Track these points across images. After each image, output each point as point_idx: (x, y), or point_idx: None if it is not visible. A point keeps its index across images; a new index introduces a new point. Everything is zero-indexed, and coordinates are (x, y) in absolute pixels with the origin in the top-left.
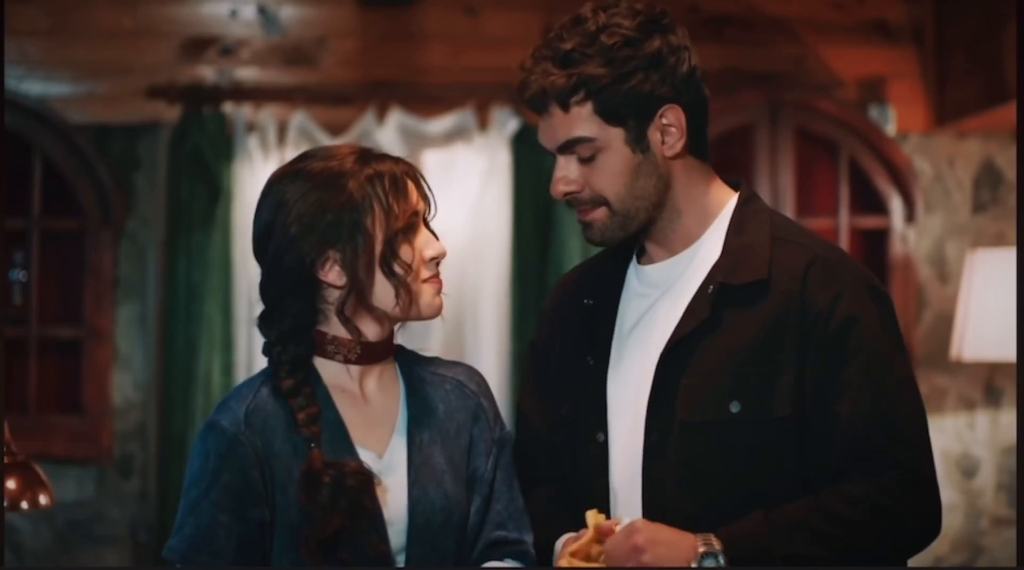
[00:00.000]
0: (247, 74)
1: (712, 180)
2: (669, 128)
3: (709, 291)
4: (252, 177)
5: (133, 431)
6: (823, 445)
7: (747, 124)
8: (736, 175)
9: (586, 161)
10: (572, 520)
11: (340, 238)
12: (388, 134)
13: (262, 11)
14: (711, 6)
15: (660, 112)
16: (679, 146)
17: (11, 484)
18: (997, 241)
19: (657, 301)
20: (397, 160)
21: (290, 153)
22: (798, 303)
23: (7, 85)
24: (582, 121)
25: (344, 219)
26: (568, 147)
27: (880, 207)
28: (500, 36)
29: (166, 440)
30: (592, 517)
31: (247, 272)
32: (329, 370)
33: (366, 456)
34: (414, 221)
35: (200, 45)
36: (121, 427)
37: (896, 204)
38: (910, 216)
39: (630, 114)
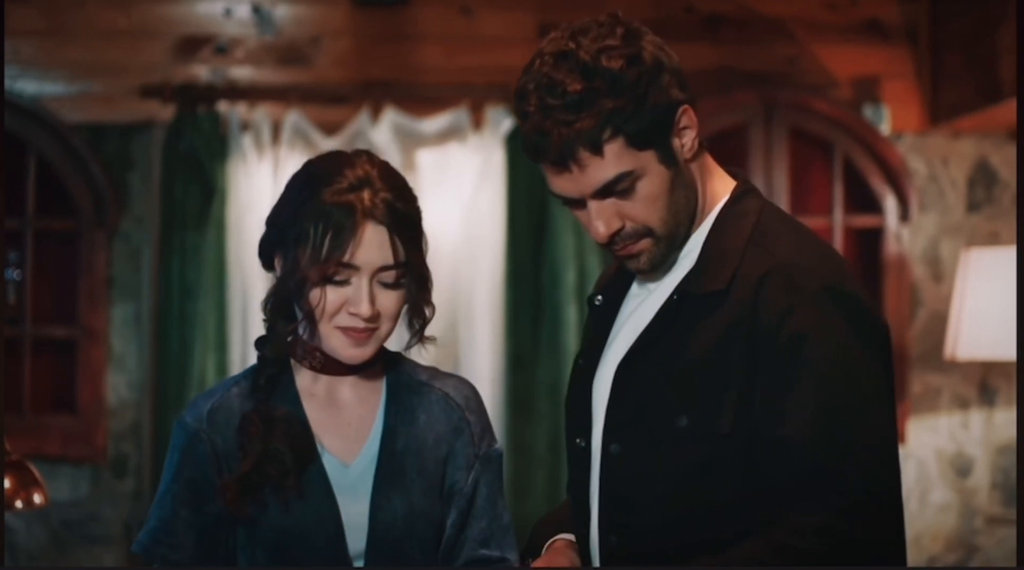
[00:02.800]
0: (241, 73)
1: (715, 172)
2: (685, 130)
3: (673, 300)
4: (246, 176)
5: (127, 431)
6: (771, 469)
7: (741, 124)
8: None
9: (622, 195)
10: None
11: (281, 246)
12: (382, 133)
13: (256, 10)
14: (706, 6)
15: (677, 117)
16: (695, 145)
17: (5, 484)
18: (991, 240)
19: (642, 304)
20: (378, 202)
21: (284, 153)
22: (749, 315)
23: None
24: (617, 158)
25: (288, 234)
26: (607, 190)
27: (874, 206)
28: (494, 36)
29: (160, 440)
30: None
31: (241, 271)
32: (303, 374)
33: (330, 461)
34: (342, 273)
35: (194, 44)
36: (115, 427)
37: (890, 203)
38: (904, 215)
39: (657, 132)
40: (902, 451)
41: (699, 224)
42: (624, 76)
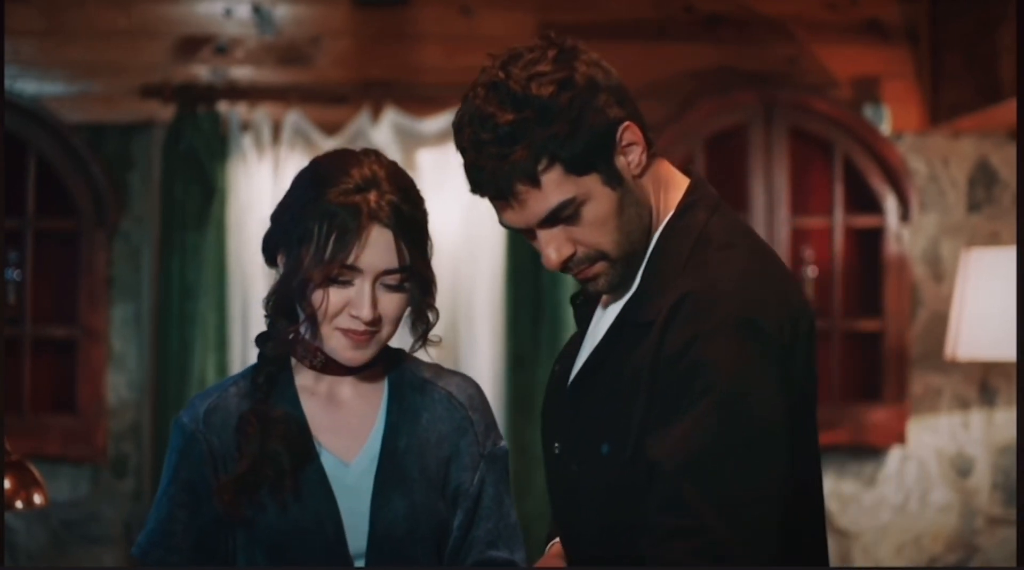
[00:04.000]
0: (241, 73)
1: (670, 181)
2: (630, 147)
3: (614, 328)
4: (246, 176)
5: (127, 431)
6: (650, 494)
7: (741, 124)
8: (730, 175)
9: (569, 221)
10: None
11: (285, 244)
12: (383, 133)
13: (256, 10)
14: (706, 5)
15: (619, 136)
16: (643, 159)
17: (6, 484)
18: (992, 240)
19: (601, 319)
20: (383, 205)
21: (284, 153)
22: (657, 344)
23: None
24: (556, 187)
25: (291, 232)
26: (551, 219)
27: (875, 206)
28: (494, 36)
29: (160, 440)
30: None
31: (241, 271)
32: (303, 372)
33: (329, 460)
34: (345, 275)
35: (194, 44)
36: (115, 427)
37: (891, 203)
38: (905, 215)
39: (597, 155)
40: (902, 451)
41: (655, 233)
42: (555, 102)
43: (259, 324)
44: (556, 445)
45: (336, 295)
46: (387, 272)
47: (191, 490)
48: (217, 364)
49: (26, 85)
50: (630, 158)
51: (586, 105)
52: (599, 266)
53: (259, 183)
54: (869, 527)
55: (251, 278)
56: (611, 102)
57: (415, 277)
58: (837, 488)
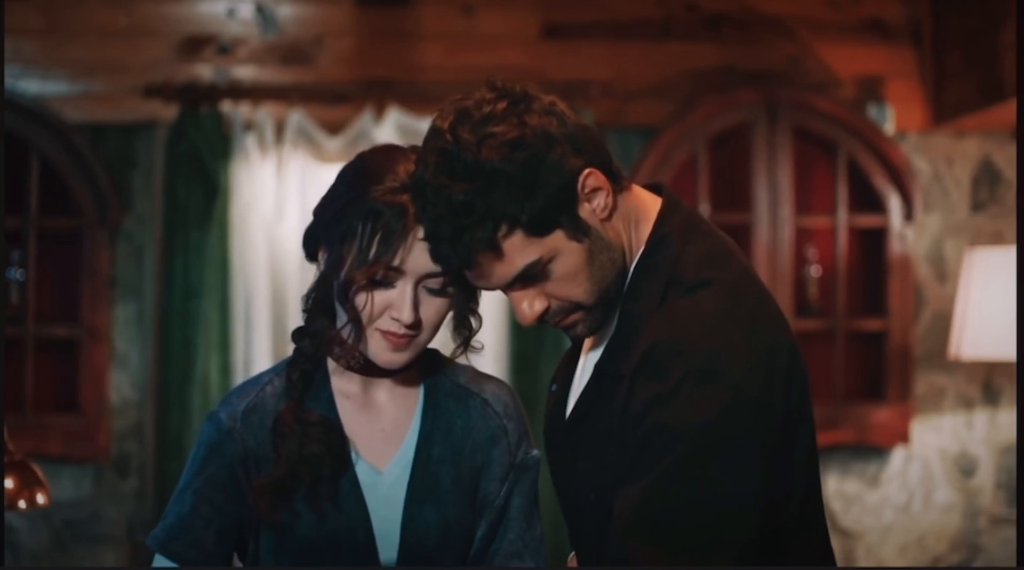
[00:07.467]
0: (244, 73)
1: (641, 215)
2: (594, 193)
3: (593, 378)
4: (249, 176)
5: (130, 430)
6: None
7: (745, 123)
8: (733, 174)
9: (538, 279)
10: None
11: (326, 240)
12: (386, 132)
13: (259, 10)
14: (708, 5)
15: (580, 185)
16: (610, 202)
17: (8, 483)
18: (995, 240)
19: (588, 359)
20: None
21: (287, 152)
22: (626, 400)
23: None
24: (519, 252)
25: (333, 229)
26: (519, 280)
27: (878, 206)
28: (496, 35)
29: (163, 439)
30: None
31: (244, 271)
32: (338, 373)
33: (362, 467)
34: (388, 277)
35: (197, 44)
36: (118, 426)
37: (894, 203)
38: (908, 215)
39: (559, 211)
40: (905, 451)
41: (630, 270)
42: (508, 166)
43: (262, 324)
44: (561, 469)
45: (379, 297)
46: (430, 275)
47: (219, 487)
48: (220, 364)
49: (28, 85)
50: (595, 204)
51: (541, 163)
52: (575, 316)
53: (262, 183)
54: (872, 527)
55: (254, 278)
56: (568, 152)
57: (459, 281)
58: (840, 488)
